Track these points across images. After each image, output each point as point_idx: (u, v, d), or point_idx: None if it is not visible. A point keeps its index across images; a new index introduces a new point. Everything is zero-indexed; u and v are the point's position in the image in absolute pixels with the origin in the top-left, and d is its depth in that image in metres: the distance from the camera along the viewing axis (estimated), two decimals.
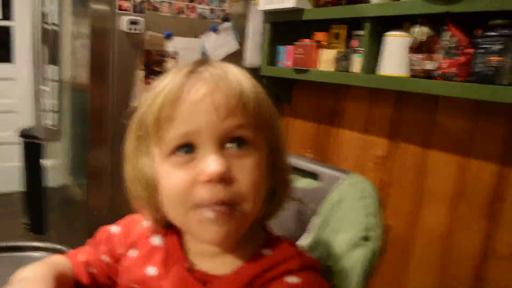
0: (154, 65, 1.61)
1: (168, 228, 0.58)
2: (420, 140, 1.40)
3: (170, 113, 0.50)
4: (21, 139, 2.50)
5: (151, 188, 0.54)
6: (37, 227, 2.50)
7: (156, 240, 0.60)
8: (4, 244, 0.80)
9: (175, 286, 0.55)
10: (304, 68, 1.59)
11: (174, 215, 0.53)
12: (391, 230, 1.50)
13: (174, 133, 0.50)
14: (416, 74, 1.26)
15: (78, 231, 1.79)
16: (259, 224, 0.58)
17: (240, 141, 0.50)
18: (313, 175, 0.73)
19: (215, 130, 0.49)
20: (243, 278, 0.53)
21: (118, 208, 1.60)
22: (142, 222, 0.63)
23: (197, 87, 0.50)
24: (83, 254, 0.66)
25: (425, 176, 1.39)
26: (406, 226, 1.45)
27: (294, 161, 0.76)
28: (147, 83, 1.59)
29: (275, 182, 0.55)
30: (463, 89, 1.12)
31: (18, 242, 0.80)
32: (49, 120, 2.07)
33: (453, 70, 1.15)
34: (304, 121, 1.83)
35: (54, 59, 2.05)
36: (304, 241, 0.68)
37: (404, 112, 1.44)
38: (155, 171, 0.53)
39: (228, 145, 0.50)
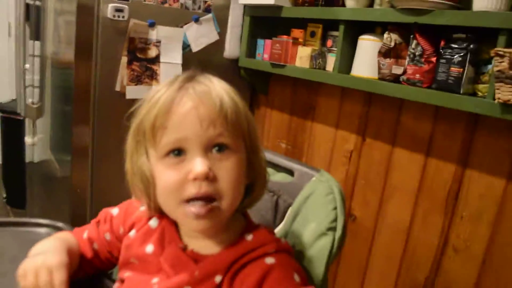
0: (137, 52, 1.65)
1: (162, 213, 0.68)
2: (386, 137, 1.50)
3: (163, 122, 0.60)
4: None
5: (148, 182, 0.64)
6: (16, 201, 2.52)
7: (153, 223, 0.70)
8: (8, 219, 0.87)
9: (170, 262, 0.65)
10: (280, 63, 1.67)
11: (166, 207, 0.64)
12: (357, 220, 1.62)
13: (167, 139, 0.60)
14: (384, 77, 1.36)
15: (60, 206, 1.83)
16: (241, 213, 0.69)
17: (221, 147, 0.61)
18: (289, 171, 0.83)
19: (200, 138, 0.59)
20: (228, 258, 0.63)
21: (99, 184, 1.66)
22: (139, 206, 0.72)
23: (184, 101, 0.60)
24: (87, 232, 0.76)
25: (390, 172, 1.49)
26: (371, 217, 1.56)
27: (272, 157, 0.86)
28: (130, 68, 1.64)
29: (253, 178, 0.66)
30: (426, 95, 1.23)
31: (22, 219, 0.88)
32: (30, 96, 2.08)
33: (418, 76, 1.26)
34: (280, 113, 1.91)
35: (37, 35, 2.04)
36: (280, 230, 0.78)
37: (372, 111, 1.54)
38: (151, 169, 0.63)
39: (212, 149, 0.60)
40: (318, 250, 0.70)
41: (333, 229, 0.71)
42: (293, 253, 0.68)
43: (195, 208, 0.59)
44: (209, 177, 0.59)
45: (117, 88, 1.61)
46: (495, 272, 1.25)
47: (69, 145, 1.68)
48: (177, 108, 0.59)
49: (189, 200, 0.60)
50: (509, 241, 1.21)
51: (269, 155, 0.86)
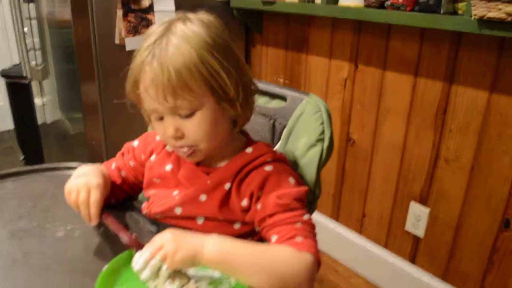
0: (131, 3, 1.69)
1: None
2: (377, 63, 1.57)
3: (136, 95, 0.73)
4: (4, 80, 2.58)
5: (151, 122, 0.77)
6: (34, 161, 2.66)
7: (169, 147, 0.83)
8: (42, 166, 0.99)
9: (187, 176, 0.80)
10: (271, 0, 1.71)
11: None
12: (356, 144, 1.73)
13: (145, 107, 0.74)
14: (370, 4, 1.42)
15: (77, 161, 1.94)
16: (240, 132, 0.82)
17: (181, 113, 0.70)
18: (282, 97, 0.94)
19: (164, 109, 0.70)
20: (233, 168, 0.77)
21: (112, 134, 1.76)
22: (156, 136, 0.86)
23: (147, 75, 0.68)
24: (114, 163, 0.90)
25: (383, 95, 1.58)
26: (368, 139, 1.67)
27: (266, 87, 0.96)
28: (126, 20, 1.69)
29: (234, 115, 0.76)
30: (410, 18, 1.29)
31: (54, 164, 1.00)
32: (32, 59, 2.14)
33: (401, 0, 1.31)
34: (275, 49, 1.97)
35: None
36: (278, 148, 0.90)
37: (362, 39, 1.60)
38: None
39: (177, 114, 0.71)
40: (309, 158, 0.83)
41: (321, 140, 0.84)
42: (288, 162, 0.80)
43: (180, 152, 0.76)
44: (178, 136, 0.72)
45: (117, 41, 1.67)
46: (483, 177, 1.36)
47: (79, 103, 1.77)
48: (141, 84, 0.70)
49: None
50: (493, 147, 1.31)
51: (263, 86, 0.97)
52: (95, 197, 0.75)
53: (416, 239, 1.59)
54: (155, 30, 0.71)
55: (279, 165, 0.77)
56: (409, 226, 1.60)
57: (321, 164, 0.83)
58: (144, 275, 0.64)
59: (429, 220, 1.53)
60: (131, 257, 0.68)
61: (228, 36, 0.73)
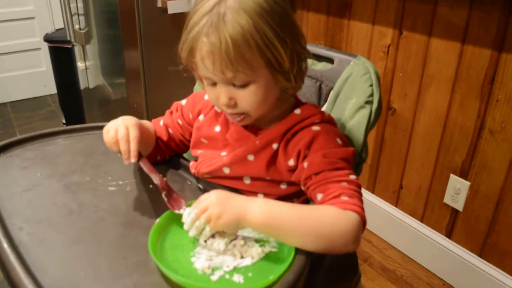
0: None
1: None
2: (422, 29, 1.51)
3: (192, 63, 0.73)
4: (47, 45, 2.65)
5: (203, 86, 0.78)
6: (75, 124, 2.75)
7: (218, 108, 0.84)
8: (93, 124, 1.03)
9: (235, 137, 0.81)
10: None
11: None
12: (396, 112, 1.70)
13: (200, 73, 0.74)
14: None
15: None
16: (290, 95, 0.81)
17: (236, 83, 0.70)
18: (329, 60, 0.93)
19: (220, 78, 0.70)
20: (281, 129, 0.77)
21: (153, 99, 1.80)
22: (204, 96, 0.85)
23: (203, 46, 0.67)
24: (162, 120, 0.92)
25: (427, 62, 1.53)
26: (410, 108, 1.63)
27: (313, 48, 0.95)
28: None
29: (283, 85, 0.75)
30: None
31: (103, 123, 1.03)
32: (76, 23, 2.18)
33: None
34: (316, 14, 1.93)
35: None
36: (324, 109, 0.90)
37: (408, 4, 1.54)
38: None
39: (232, 84, 0.71)
40: (358, 120, 0.82)
41: (370, 102, 0.83)
42: (335, 124, 0.80)
43: (230, 117, 0.77)
44: (231, 105, 0.73)
45: (159, 5, 1.68)
46: None
47: (120, 69, 1.81)
48: (197, 54, 0.69)
49: None
50: None
51: (310, 48, 0.95)
52: (135, 133, 0.77)
53: (454, 212, 1.57)
54: None
55: (326, 125, 0.77)
56: (447, 199, 1.58)
57: (369, 126, 0.82)
58: (191, 233, 0.67)
59: (469, 193, 1.50)
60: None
61: (285, 1, 0.70)
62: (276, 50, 0.68)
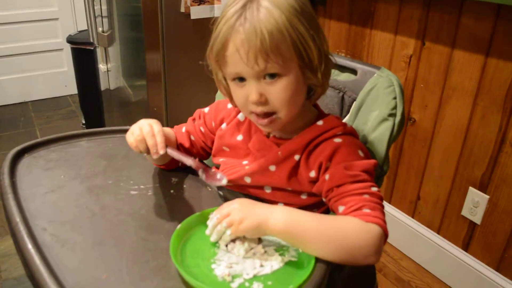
0: None
1: None
2: (446, 40, 1.50)
3: (222, 57, 0.72)
4: (70, 46, 2.69)
5: (228, 92, 0.79)
6: (94, 125, 2.79)
7: (241, 116, 0.85)
8: (115, 128, 1.04)
9: (257, 147, 0.81)
10: None
11: (243, 113, 0.81)
12: (416, 123, 1.69)
13: (229, 70, 0.73)
14: None
15: None
16: (312, 104, 0.82)
17: (269, 75, 0.70)
18: (352, 71, 0.93)
19: (251, 71, 0.70)
20: (303, 140, 0.77)
21: (173, 103, 1.81)
22: (227, 104, 0.86)
23: (235, 38, 0.69)
24: (185, 127, 0.93)
25: (449, 74, 1.51)
26: (430, 119, 1.62)
27: (337, 59, 0.95)
28: None
29: (312, 84, 0.76)
30: None
31: (126, 127, 1.04)
32: (99, 26, 2.21)
33: None
34: (338, 23, 1.93)
35: None
36: (346, 120, 0.90)
37: (431, 14, 1.54)
38: (227, 83, 0.77)
39: (263, 77, 0.71)
40: (380, 133, 0.82)
41: (393, 115, 0.82)
42: (357, 136, 0.80)
43: (259, 119, 0.74)
44: (262, 101, 0.72)
45: (182, 10, 1.70)
46: None
47: (141, 71, 1.82)
48: (231, 46, 0.70)
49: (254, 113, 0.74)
50: None
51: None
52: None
53: (472, 225, 1.55)
54: None
55: (348, 138, 0.77)
56: (465, 212, 1.56)
57: (392, 139, 0.82)
58: (212, 238, 0.68)
59: (488, 207, 1.48)
60: (202, 218, 0.71)
61: (311, 6, 0.73)
62: (307, 45, 0.70)
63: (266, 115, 0.73)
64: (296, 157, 0.77)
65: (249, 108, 0.74)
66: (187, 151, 0.92)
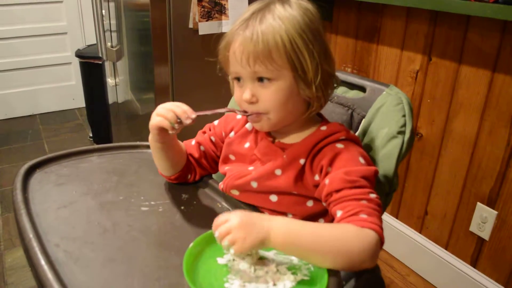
0: None
1: None
2: (452, 56, 1.51)
3: (225, 57, 0.79)
4: (78, 60, 2.72)
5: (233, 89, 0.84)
6: (102, 138, 2.81)
7: (249, 126, 0.89)
8: (125, 144, 1.05)
9: (263, 152, 0.84)
10: None
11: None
12: (423, 138, 1.69)
13: (230, 70, 0.80)
14: None
15: (144, 140, 2.03)
16: (317, 114, 0.85)
17: (261, 79, 0.76)
18: (361, 88, 0.94)
19: (247, 73, 0.76)
20: (308, 144, 0.80)
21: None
22: (236, 115, 0.92)
23: (236, 41, 0.76)
24: (195, 139, 0.95)
25: (456, 89, 1.52)
26: (437, 134, 1.62)
27: (346, 76, 0.96)
28: (201, 5, 1.73)
29: (307, 96, 0.78)
30: (493, 10, 1.24)
31: (136, 142, 1.06)
32: (108, 40, 2.24)
33: None
34: (345, 38, 1.94)
35: None
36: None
37: (438, 30, 1.55)
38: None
39: (257, 80, 0.76)
40: (389, 150, 0.83)
41: (402, 132, 0.84)
42: (360, 143, 0.83)
43: (250, 118, 0.81)
44: (253, 102, 0.78)
45: (190, 26, 1.72)
46: None
47: (149, 85, 1.84)
48: (232, 47, 0.77)
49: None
50: None
51: (342, 75, 0.97)
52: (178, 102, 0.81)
53: (480, 241, 1.54)
54: (253, 7, 0.77)
55: (350, 144, 0.79)
56: (474, 228, 1.55)
57: (401, 156, 0.82)
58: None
59: (496, 222, 1.48)
60: (214, 236, 0.72)
61: (321, 26, 0.78)
62: (302, 57, 0.74)
63: (257, 114, 0.79)
64: (301, 161, 0.79)
65: (243, 107, 0.80)
66: (197, 162, 0.93)
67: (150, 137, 0.87)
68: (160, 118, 0.80)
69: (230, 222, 0.65)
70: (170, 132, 0.80)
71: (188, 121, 0.78)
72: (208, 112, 0.80)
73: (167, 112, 0.79)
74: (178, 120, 0.78)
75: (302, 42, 0.74)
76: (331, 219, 0.78)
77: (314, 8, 0.79)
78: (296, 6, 0.76)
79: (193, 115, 0.78)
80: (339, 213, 0.71)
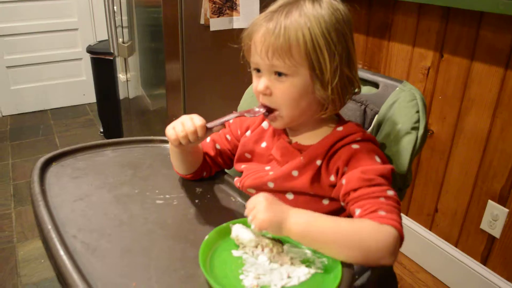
0: None
1: None
2: (464, 52, 1.51)
3: (248, 47, 0.80)
4: (90, 55, 2.74)
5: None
6: (112, 133, 2.83)
7: (265, 124, 0.89)
8: (139, 138, 1.07)
9: (280, 153, 0.84)
10: None
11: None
12: (434, 135, 1.68)
13: (251, 60, 0.80)
14: None
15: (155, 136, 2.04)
16: (334, 114, 0.84)
17: (278, 73, 0.76)
18: (374, 84, 0.94)
19: (265, 65, 0.76)
20: (325, 146, 0.80)
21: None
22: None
23: (259, 33, 0.76)
24: (210, 137, 0.96)
25: (468, 86, 1.51)
26: (448, 131, 1.61)
27: (359, 72, 0.96)
28: (212, 1, 1.73)
29: (321, 98, 0.78)
30: (506, 6, 1.23)
31: (149, 137, 1.08)
32: (120, 36, 2.25)
33: None
34: (355, 34, 1.93)
35: None
36: (369, 132, 0.91)
37: (450, 27, 1.54)
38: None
39: (273, 73, 0.77)
40: (403, 146, 0.84)
41: (416, 128, 0.84)
42: (377, 143, 0.82)
43: (265, 115, 0.81)
44: (266, 93, 0.78)
45: (202, 22, 1.73)
46: None
47: (160, 80, 1.85)
48: (254, 37, 0.77)
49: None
50: None
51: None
52: (200, 121, 0.80)
53: (491, 239, 1.54)
54: (282, 1, 0.77)
55: (366, 144, 0.79)
56: (484, 225, 1.55)
57: (415, 152, 0.83)
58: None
59: (508, 220, 1.47)
60: (229, 229, 0.73)
61: (349, 28, 0.77)
62: (322, 57, 0.74)
63: (269, 111, 0.79)
64: (318, 162, 0.80)
65: (257, 97, 0.81)
66: (212, 160, 0.94)
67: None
68: (173, 132, 0.81)
69: (258, 199, 0.69)
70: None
71: (209, 125, 0.79)
72: (219, 122, 0.80)
73: (183, 139, 0.80)
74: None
75: (325, 42, 0.73)
76: (347, 217, 0.79)
77: (346, 9, 0.78)
78: (326, 6, 0.75)
79: (201, 131, 0.79)
80: (357, 211, 0.72)
